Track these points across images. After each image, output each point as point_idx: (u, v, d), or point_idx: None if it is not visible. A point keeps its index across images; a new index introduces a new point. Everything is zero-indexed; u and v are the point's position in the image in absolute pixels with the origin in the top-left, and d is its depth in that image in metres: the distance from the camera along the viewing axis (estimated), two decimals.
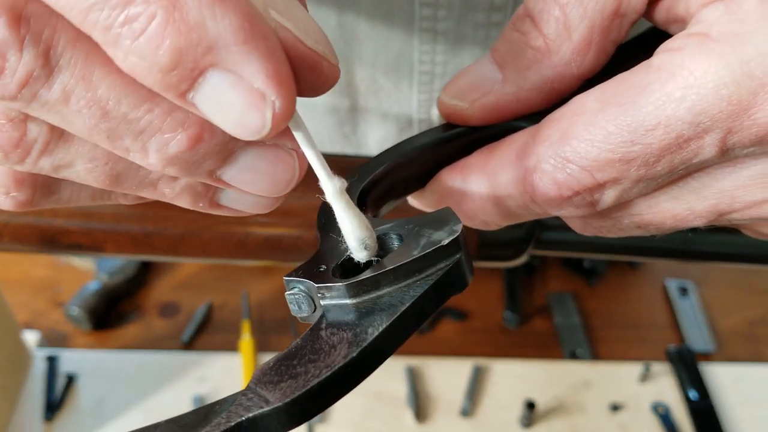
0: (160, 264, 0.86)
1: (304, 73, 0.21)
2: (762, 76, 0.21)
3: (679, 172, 0.24)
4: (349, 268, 0.24)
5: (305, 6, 0.23)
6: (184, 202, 0.24)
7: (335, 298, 0.23)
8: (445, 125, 0.30)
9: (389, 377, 0.74)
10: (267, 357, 0.75)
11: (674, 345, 0.77)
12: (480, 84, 0.28)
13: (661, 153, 0.23)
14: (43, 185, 0.24)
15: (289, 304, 0.24)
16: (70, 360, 0.74)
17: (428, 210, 0.31)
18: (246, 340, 0.75)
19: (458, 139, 0.30)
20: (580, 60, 0.26)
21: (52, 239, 0.39)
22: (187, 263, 0.85)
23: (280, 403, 0.21)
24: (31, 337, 0.76)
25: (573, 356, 0.78)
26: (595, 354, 0.79)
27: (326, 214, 0.26)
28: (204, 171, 0.22)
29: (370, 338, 0.22)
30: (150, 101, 0.20)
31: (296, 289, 0.24)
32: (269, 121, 0.19)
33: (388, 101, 0.57)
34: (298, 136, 0.22)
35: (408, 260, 0.23)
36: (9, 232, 0.39)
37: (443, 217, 0.24)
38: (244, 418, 0.21)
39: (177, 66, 0.18)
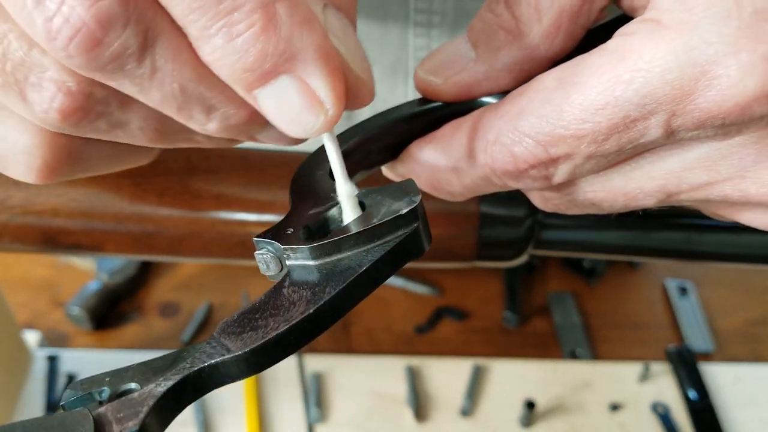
0: (161, 264, 0.86)
1: (347, 92, 0.24)
2: (704, 63, 0.22)
3: (628, 152, 0.26)
4: (315, 231, 0.26)
5: (355, 31, 0.26)
6: (215, 145, 0.27)
7: (300, 259, 0.25)
8: (420, 100, 0.32)
9: (389, 377, 0.74)
10: None
11: (674, 345, 0.77)
12: (454, 61, 0.30)
13: (609, 132, 0.25)
14: (73, 151, 0.26)
15: (258, 263, 0.26)
16: (71, 360, 0.74)
17: (398, 177, 0.33)
18: None
19: (431, 113, 0.31)
20: (549, 43, 0.27)
21: (52, 239, 0.39)
22: (187, 263, 0.85)
23: (239, 352, 0.23)
24: (31, 337, 0.76)
25: (573, 356, 0.78)
26: (595, 354, 0.79)
27: (300, 181, 0.29)
28: (248, 133, 0.25)
29: (326, 297, 0.24)
30: (222, 85, 0.23)
31: (264, 250, 0.26)
32: (320, 125, 0.23)
33: (383, 107, 0.58)
34: (328, 138, 0.26)
35: (368, 227, 0.25)
36: (9, 232, 0.39)
37: (405, 188, 0.26)
38: (206, 364, 0.24)
39: (258, 67, 0.22)
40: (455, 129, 0.29)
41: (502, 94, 0.29)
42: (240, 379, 0.24)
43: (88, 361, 0.74)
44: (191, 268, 0.85)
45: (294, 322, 0.24)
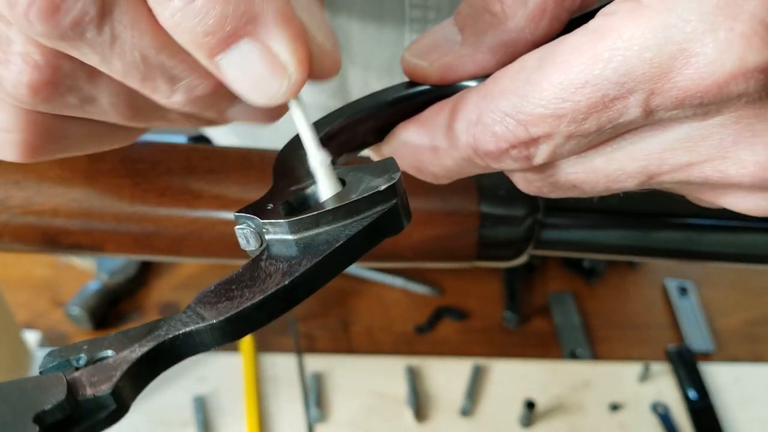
0: (161, 264, 0.86)
1: (311, 60, 0.24)
2: (682, 41, 0.23)
3: (608, 132, 0.26)
4: (295, 206, 0.27)
5: (323, 6, 0.26)
6: (192, 125, 0.28)
7: (278, 233, 0.26)
8: (407, 83, 0.32)
9: (389, 377, 0.74)
10: (268, 357, 0.75)
11: (674, 345, 0.77)
12: (441, 45, 0.30)
13: (588, 111, 0.25)
14: (52, 129, 0.26)
15: (238, 238, 0.27)
16: None
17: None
18: (246, 339, 0.75)
19: (418, 96, 0.32)
20: (534, 26, 0.28)
21: (52, 239, 0.39)
22: (187, 263, 0.85)
23: (214, 320, 0.24)
24: (31, 337, 0.76)
25: (573, 356, 0.78)
26: (595, 354, 0.79)
27: (282, 161, 0.29)
28: (216, 108, 0.26)
29: (301, 270, 0.25)
30: (184, 53, 0.23)
31: (244, 225, 0.26)
32: (285, 90, 0.23)
33: (378, 85, 0.59)
34: (295, 105, 0.26)
35: (346, 202, 0.25)
36: (9, 232, 0.39)
37: (385, 166, 0.27)
38: (180, 332, 0.24)
39: (219, 30, 0.22)
40: (438, 110, 0.30)
41: (487, 77, 0.29)
42: (214, 347, 0.25)
43: None
44: (191, 268, 0.85)
45: (269, 292, 0.24)
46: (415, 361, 0.75)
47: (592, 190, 0.30)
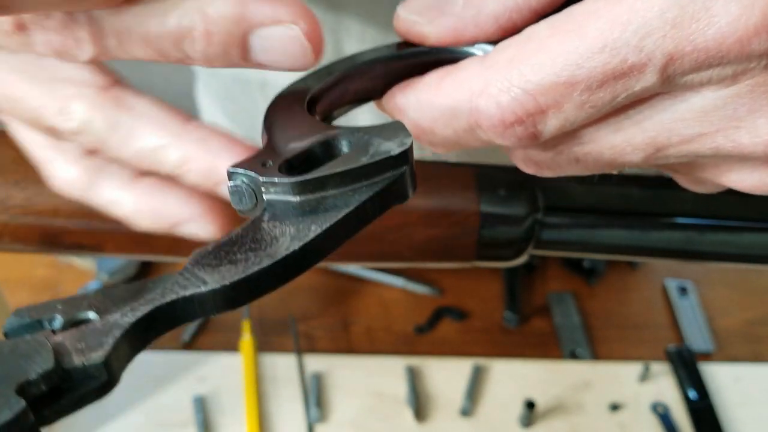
0: (160, 264, 0.86)
1: None
2: (704, 0, 0.22)
3: (621, 101, 0.25)
4: (295, 166, 0.25)
5: None
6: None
7: (280, 194, 0.24)
8: (401, 43, 0.30)
9: (389, 377, 0.74)
10: (268, 357, 0.75)
11: (674, 345, 0.77)
12: (441, 3, 0.29)
13: (604, 78, 0.24)
14: None
15: (230, 195, 0.25)
16: None
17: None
18: (246, 339, 0.75)
19: (413, 57, 0.30)
20: None
21: (52, 239, 0.39)
22: None
23: (217, 285, 0.22)
24: None
25: (573, 356, 0.78)
26: (595, 354, 0.79)
27: (275, 114, 0.27)
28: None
29: (312, 235, 0.23)
30: None
31: (240, 181, 0.24)
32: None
33: None
34: None
35: (356, 166, 0.24)
36: (9, 232, 0.39)
37: (394, 130, 0.25)
38: (179, 296, 0.22)
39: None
40: (440, 77, 0.28)
41: (490, 44, 0.28)
42: (213, 314, 0.22)
43: None
44: None
45: (278, 258, 0.22)
46: (415, 361, 0.75)
47: (594, 165, 0.28)
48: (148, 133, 0.29)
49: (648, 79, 0.24)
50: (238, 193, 0.24)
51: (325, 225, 0.23)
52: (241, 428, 0.69)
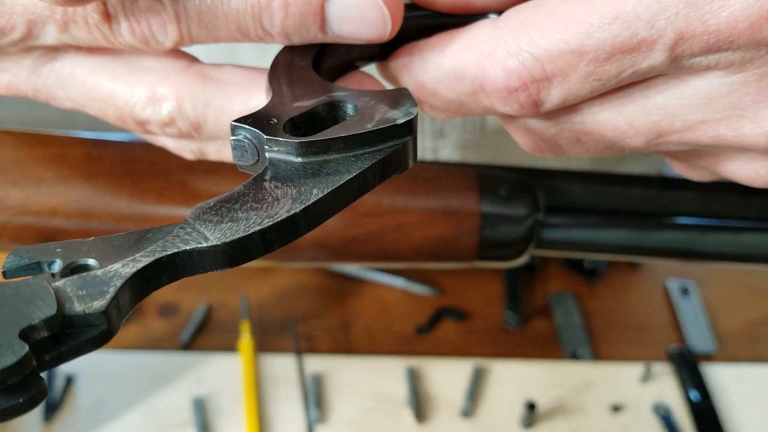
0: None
1: None
2: None
3: (626, 77, 0.25)
4: (299, 125, 0.25)
5: None
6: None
7: (283, 153, 0.24)
8: (409, 5, 0.30)
9: (389, 377, 0.74)
10: (267, 357, 0.75)
11: (675, 345, 0.77)
12: None
13: (612, 50, 0.24)
14: None
15: (232, 150, 0.25)
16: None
17: (385, 80, 0.31)
18: (245, 340, 0.75)
19: (421, 20, 0.30)
20: None
21: (51, 239, 0.39)
22: None
23: (218, 242, 0.22)
24: None
25: (574, 356, 0.78)
26: (596, 354, 0.79)
27: (280, 70, 0.27)
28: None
29: (313, 198, 0.23)
30: None
31: (242, 136, 0.24)
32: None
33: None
34: None
35: (361, 131, 0.24)
36: (8, 232, 0.39)
37: (400, 97, 0.25)
38: (180, 250, 0.22)
39: None
40: (448, 38, 0.28)
41: (499, 14, 0.28)
42: (212, 271, 0.22)
43: (86, 361, 0.74)
44: None
45: (279, 219, 0.22)
46: (415, 361, 0.75)
47: (596, 146, 0.28)
48: (243, 96, 0.29)
49: (656, 57, 0.23)
50: (240, 147, 0.25)
51: (327, 189, 0.23)
52: (240, 429, 0.69)
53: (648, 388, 0.74)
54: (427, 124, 0.60)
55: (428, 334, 0.80)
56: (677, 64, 0.24)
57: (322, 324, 0.80)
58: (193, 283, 0.84)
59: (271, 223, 0.22)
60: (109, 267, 0.21)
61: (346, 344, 0.78)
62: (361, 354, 0.76)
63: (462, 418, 0.71)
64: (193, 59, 0.30)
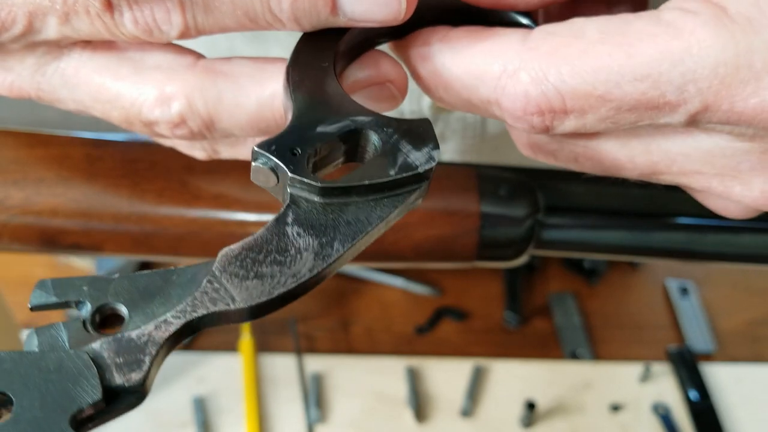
0: (160, 264, 0.86)
1: None
2: (760, 69, 0.22)
3: (641, 126, 0.25)
4: (323, 156, 0.25)
5: None
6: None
7: (305, 191, 0.24)
8: None
9: (389, 377, 0.74)
10: (267, 357, 0.75)
11: (675, 345, 0.77)
12: None
13: (637, 104, 0.24)
14: None
15: (252, 173, 0.25)
16: None
17: (399, 60, 0.31)
18: (246, 340, 0.75)
19: (444, 3, 0.29)
20: None
21: (51, 239, 0.39)
22: (186, 263, 0.85)
23: (245, 306, 0.22)
24: None
25: (573, 356, 0.78)
26: (596, 354, 0.79)
27: (300, 71, 0.27)
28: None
29: (335, 255, 0.23)
30: None
31: (264, 163, 0.24)
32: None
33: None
34: None
35: (383, 180, 0.24)
36: (8, 232, 0.39)
37: (422, 133, 0.25)
38: (209, 312, 0.22)
39: None
40: (476, 38, 0.27)
41: (526, 16, 0.28)
42: (231, 324, 0.23)
43: None
44: None
45: (302, 280, 0.23)
46: (415, 361, 0.75)
47: (591, 168, 0.29)
48: (256, 87, 0.28)
49: (675, 117, 0.24)
50: (262, 173, 0.25)
51: (347, 244, 0.24)
52: (240, 429, 0.69)
53: (647, 388, 0.74)
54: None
55: (428, 333, 0.80)
56: (692, 126, 0.24)
57: (322, 324, 0.80)
58: None
59: (294, 284, 0.23)
60: (143, 330, 0.22)
61: (346, 344, 0.78)
62: (361, 354, 0.77)
63: (462, 418, 0.71)
64: (199, 55, 0.30)
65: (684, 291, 0.84)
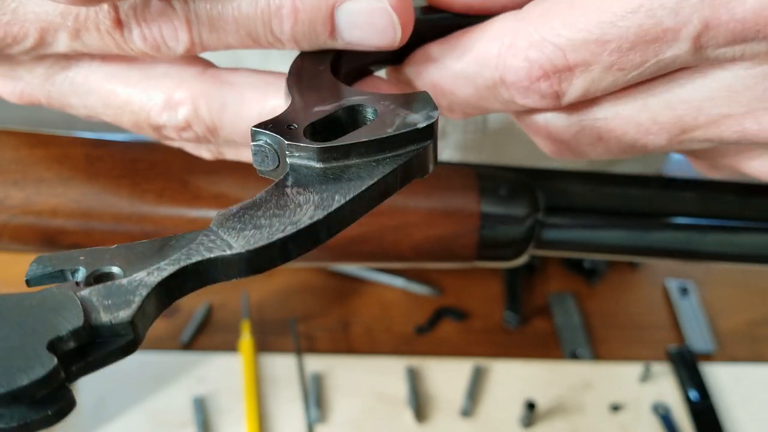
0: None
1: None
2: None
3: (650, 68, 0.24)
4: (319, 131, 0.25)
5: None
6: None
7: (304, 159, 0.24)
8: (425, 7, 0.30)
9: (389, 377, 0.74)
10: (267, 357, 0.75)
11: (675, 345, 0.77)
12: None
13: (636, 39, 0.23)
14: None
15: (252, 155, 0.25)
16: None
17: (400, 86, 0.31)
18: (246, 340, 0.75)
19: (438, 22, 0.30)
20: None
21: (51, 239, 0.39)
22: None
23: (242, 250, 0.22)
24: None
25: (573, 356, 0.78)
26: (596, 354, 0.79)
27: (299, 74, 0.27)
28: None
29: (336, 205, 0.23)
30: None
31: (263, 141, 0.24)
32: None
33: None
34: None
35: (382, 136, 0.24)
36: (8, 232, 0.39)
37: (421, 101, 0.25)
38: (204, 258, 0.21)
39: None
40: (466, 35, 0.28)
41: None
42: (234, 278, 0.22)
43: None
44: None
45: (302, 225, 0.22)
46: (415, 361, 0.75)
47: (617, 144, 0.28)
48: (259, 99, 0.29)
49: (680, 47, 0.23)
50: (261, 153, 0.25)
51: (348, 196, 0.23)
52: (240, 429, 0.69)
53: (647, 388, 0.74)
54: None
55: (428, 333, 0.80)
56: (701, 55, 0.23)
57: (322, 324, 0.80)
58: None
59: (294, 230, 0.22)
60: (134, 276, 0.21)
61: (346, 344, 0.78)
62: (361, 354, 0.77)
63: (462, 418, 0.71)
64: (208, 64, 0.31)
65: (684, 291, 0.84)
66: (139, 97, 0.30)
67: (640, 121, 0.26)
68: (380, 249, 0.40)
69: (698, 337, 0.80)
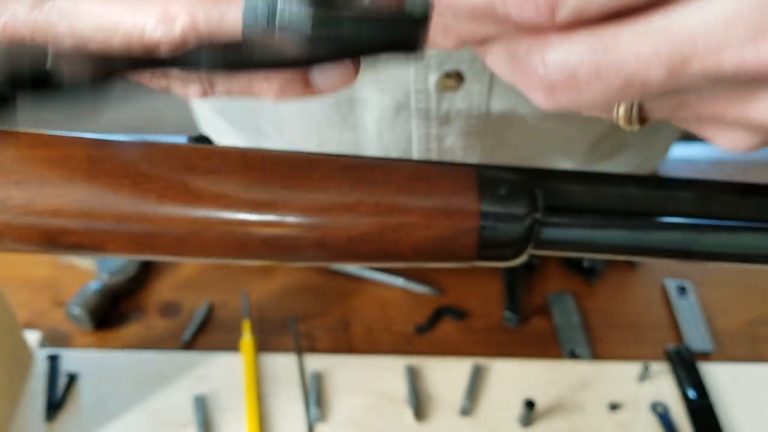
0: (161, 264, 0.86)
1: None
2: None
3: None
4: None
5: None
6: None
7: (294, 18, 0.24)
8: None
9: (389, 376, 0.74)
10: (268, 357, 0.75)
11: (673, 344, 0.78)
12: None
13: None
14: None
15: (243, 14, 0.25)
16: (72, 359, 0.74)
17: None
18: (247, 339, 0.76)
19: None
20: None
21: (52, 239, 0.39)
22: (187, 263, 0.85)
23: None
24: (32, 337, 0.76)
25: (572, 355, 0.78)
26: (595, 353, 0.79)
27: None
28: None
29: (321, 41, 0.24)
30: None
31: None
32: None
33: (385, 73, 0.59)
34: None
35: (372, 8, 0.24)
36: (9, 232, 0.39)
37: None
38: None
39: None
40: None
41: None
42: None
43: (88, 360, 0.74)
44: (191, 268, 0.85)
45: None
46: (415, 360, 0.76)
47: (615, 79, 0.27)
48: None
49: None
50: (251, 10, 0.25)
51: (333, 44, 0.24)
52: (241, 428, 0.70)
53: (646, 387, 0.75)
54: (432, 111, 0.61)
55: (428, 333, 0.80)
56: None
57: (323, 323, 0.80)
58: (194, 283, 0.84)
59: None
60: None
61: (346, 343, 0.78)
62: (361, 353, 0.77)
63: (461, 417, 0.72)
64: None
65: (682, 290, 0.85)
66: (133, 15, 0.29)
67: (640, 52, 0.26)
68: (380, 249, 0.40)
69: (696, 337, 0.80)
